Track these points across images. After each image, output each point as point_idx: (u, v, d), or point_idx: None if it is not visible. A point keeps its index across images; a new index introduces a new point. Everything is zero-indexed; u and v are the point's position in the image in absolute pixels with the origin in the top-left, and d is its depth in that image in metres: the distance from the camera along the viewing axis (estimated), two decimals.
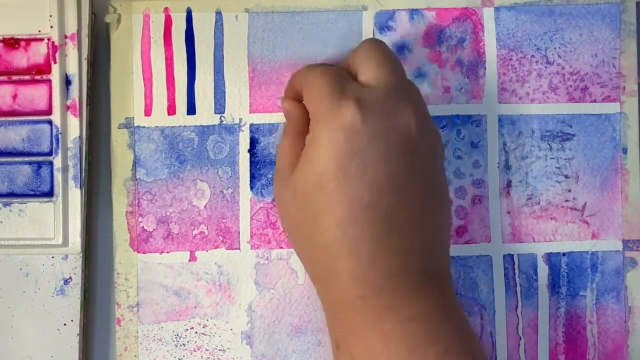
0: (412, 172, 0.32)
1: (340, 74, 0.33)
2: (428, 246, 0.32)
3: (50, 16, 0.39)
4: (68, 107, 0.39)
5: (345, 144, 0.31)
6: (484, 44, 0.40)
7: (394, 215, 0.31)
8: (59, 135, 0.39)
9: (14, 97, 0.39)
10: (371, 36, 0.40)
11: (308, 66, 0.35)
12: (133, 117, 0.39)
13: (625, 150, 0.40)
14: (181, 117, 0.40)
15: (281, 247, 0.39)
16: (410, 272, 0.31)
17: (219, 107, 0.40)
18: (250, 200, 0.40)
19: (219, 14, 0.40)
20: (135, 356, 0.39)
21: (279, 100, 0.39)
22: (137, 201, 0.39)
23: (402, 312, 0.30)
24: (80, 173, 0.39)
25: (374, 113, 0.32)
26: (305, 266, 0.35)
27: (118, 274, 0.39)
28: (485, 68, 0.40)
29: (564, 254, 0.40)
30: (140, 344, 0.39)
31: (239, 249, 0.39)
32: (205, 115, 0.40)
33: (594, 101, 0.40)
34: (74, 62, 0.39)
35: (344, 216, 0.31)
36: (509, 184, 0.40)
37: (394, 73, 0.34)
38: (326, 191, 0.31)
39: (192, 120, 0.40)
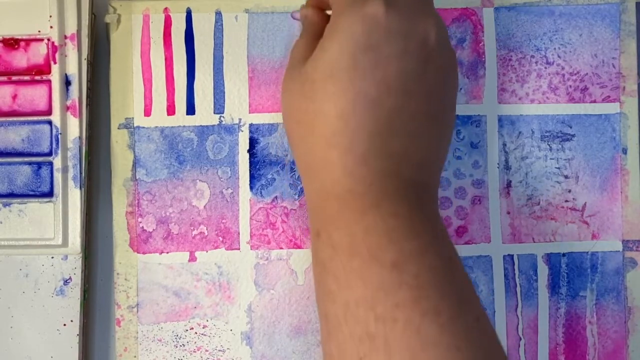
0: (423, 80, 0.32)
1: None
2: (422, 156, 0.33)
3: (50, 16, 0.39)
4: (68, 108, 0.39)
5: (363, 36, 0.31)
6: (483, 45, 0.40)
7: (397, 118, 0.32)
8: (59, 136, 0.39)
9: (14, 97, 0.39)
10: None
11: None
12: (133, 118, 0.40)
13: (625, 151, 0.40)
14: (181, 117, 0.40)
15: (281, 248, 0.39)
16: (401, 176, 0.32)
17: (219, 107, 0.40)
18: (250, 200, 0.40)
19: (218, 14, 0.40)
20: (135, 357, 0.39)
21: (297, 12, 0.38)
22: (137, 201, 0.39)
23: (387, 209, 0.31)
24: (80, 173, 0.39)
25: (398, 12, 0.32)
26: (298, 156, 0.35)
27: (118, 274, 0.39)
28: (485, 68, 0.40)
29: (563, 255, 0.40)
30: (140, 344, 0.39)
31: (239, 249, 0.39)
32: (205, 115, 0.40)
33: (594, 101, 0.40)
34: (73, 62, 0.39)
35: (348, 108, 0.31)
36: (508, 185, 0.40)
37: None
38: (335, 81, 0.31)
39: (191, 121, 0.40)
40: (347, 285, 0.30)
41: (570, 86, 0.40)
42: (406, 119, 0.32)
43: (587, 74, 0.40)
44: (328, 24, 0.33)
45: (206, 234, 0.39)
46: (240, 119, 0.40)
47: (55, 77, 0.39)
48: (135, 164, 0.39)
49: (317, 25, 0.35)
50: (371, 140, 0.31)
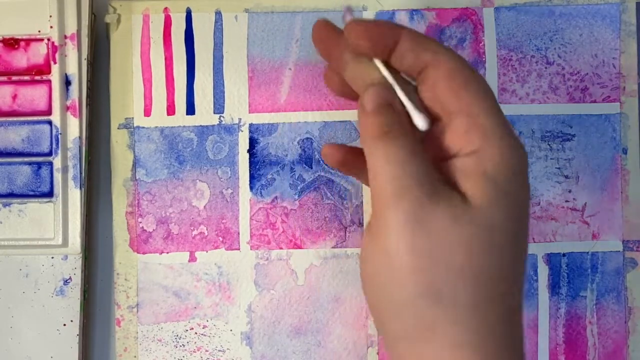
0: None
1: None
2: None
3: (50, 16, 0.39)
4: (68, 108, 0.39)
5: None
6: (483, 44, 0.40)
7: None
8: (59, 136, 0.39)
9: (14, 97, 0.39)
10: None
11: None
12: (133, 118, 0.40)
13: (625, 151, 0.40)
14: (180, 117, 0.40)
15: (281, 248, 0.39)
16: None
17: (219, 107, 0.40)
18: (250, 200, 0.40)
19: (218, 14, 0.40)
20: (135, 357, 0.39)
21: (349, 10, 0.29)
22: (136, 201, 0.39)
23: None
24: (80, 173, 0.39)
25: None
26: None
27: (118, 274, 0.39)
28: (485, 68, 0.40)
29: (564, 255, 0.40)
30: (140, 344, 0.39)
31: (239, 249, 0.39)
32: (205, 115, 0.40)
33: (594, 101, 0.40)
34: (73, 62, 0.39)
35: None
36: None
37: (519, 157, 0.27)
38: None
39: (191, 121, 0.40)
40: None
41: (571, 86, 0.40)
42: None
43: (587, 74, 0.40)
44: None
45: (206, 234, 0.39)
46: (240, 119, 0.40)
47: (55, 77, 0.39)
48: (135, 164, 0.39)
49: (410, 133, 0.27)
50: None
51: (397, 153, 0.26)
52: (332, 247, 0.39)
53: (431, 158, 0.27)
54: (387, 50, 0.27)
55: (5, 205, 0.39)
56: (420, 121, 0.27)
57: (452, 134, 0.26)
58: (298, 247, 0.39)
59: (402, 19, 0.40)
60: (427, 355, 0.25)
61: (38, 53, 0.39)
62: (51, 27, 0.39)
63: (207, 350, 0.39)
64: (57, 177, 0.39)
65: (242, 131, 0.40)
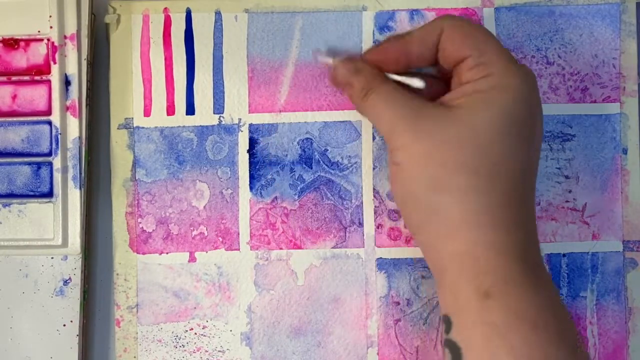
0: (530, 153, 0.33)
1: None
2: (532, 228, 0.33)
3: (50, 16, 0.39)
4: (67, 108, 0.39)
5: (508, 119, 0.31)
6: None
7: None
8: (59, 136, 0.39)
9: (14, 97, 0.39)
10: (371, 37, 0.40)
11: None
12: (132, 118, 0.39)
13: (625, 151, 0.40)
14: (180, 118, 0.40)
15: (281, 248, 0.39)
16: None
17: (218, 107, 0.40)
18: (250, 200, 0.39)
19: (218, 14, 0.40)
20: (135, 357, 0.39)
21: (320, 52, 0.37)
22: (136, 202, 0.39)
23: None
24: (80, 174, 0.39)
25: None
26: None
27: (117, 274, 0.39)
28: None
29: (564, 255, 0.40)
30: (140, 345, 0.39)
31: (239, 249, 0.39)
32: (205, 115, 0.40)
33: (594, 102, 0.40)
34: (73, 62, 0.39)
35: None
36: None
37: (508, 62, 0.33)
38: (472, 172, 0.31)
39: (191, 121, 0.40)
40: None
41: (571, 86, 0.40)
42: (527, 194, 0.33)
43: (587, 74, 0.40)
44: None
45: (206, 234, 0.39)
46: (239, 119, 0.40)
47: (55, 77, 0.39)
48: (135, 164, 0.39)
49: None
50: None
51: (379, 103, 0.33)
52: (332, 248, 0.39)
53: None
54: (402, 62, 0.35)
55: (5, 205, 0.39)
56: (416, 82, 0.34)
57: (459, 76, 0.33)
58: (298, 247, 0.39)
59: (402, 19, 0.40)
60: (434, 234, 0.32)
61: (38, 53, 0.39)
62: (51, 27, 0.39)
63: (206, 351, 0.39)
64: (57, 177, 0.39)
65: (242, 131, 0.40)
